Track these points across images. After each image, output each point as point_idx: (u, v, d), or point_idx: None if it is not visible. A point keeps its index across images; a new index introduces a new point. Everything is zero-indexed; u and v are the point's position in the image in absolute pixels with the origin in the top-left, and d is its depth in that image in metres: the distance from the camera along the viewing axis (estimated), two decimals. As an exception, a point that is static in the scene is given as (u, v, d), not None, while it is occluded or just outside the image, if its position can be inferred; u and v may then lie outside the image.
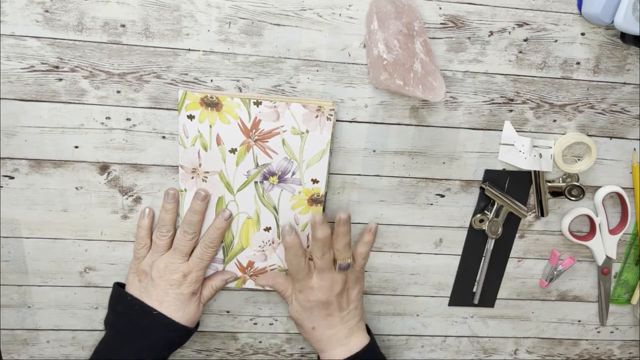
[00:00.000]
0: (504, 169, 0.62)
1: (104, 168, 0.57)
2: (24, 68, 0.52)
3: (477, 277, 0.68)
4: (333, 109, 0.55)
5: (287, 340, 0.69)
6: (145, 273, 0.59)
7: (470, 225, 0.64)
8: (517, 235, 0.66)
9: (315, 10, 0.53)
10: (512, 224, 0.65)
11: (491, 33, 0.55)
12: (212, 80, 0.55)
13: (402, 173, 0.61)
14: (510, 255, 0.67)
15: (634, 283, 0.70)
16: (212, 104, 0.54)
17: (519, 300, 0.70)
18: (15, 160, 0.56)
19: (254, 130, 0.55)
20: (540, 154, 0.60)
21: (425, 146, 0.60)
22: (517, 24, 0.55)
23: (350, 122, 0.58)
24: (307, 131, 0.56)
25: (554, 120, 0.60)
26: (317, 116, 0.55)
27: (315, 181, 0.58)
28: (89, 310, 0.64)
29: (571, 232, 0.66)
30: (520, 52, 0.57)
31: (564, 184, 0.63)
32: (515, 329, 0.72)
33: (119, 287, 0.61)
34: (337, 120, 0.57)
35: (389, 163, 0.60)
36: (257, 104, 0.54)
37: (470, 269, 0.67)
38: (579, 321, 0.73)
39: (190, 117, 0.54)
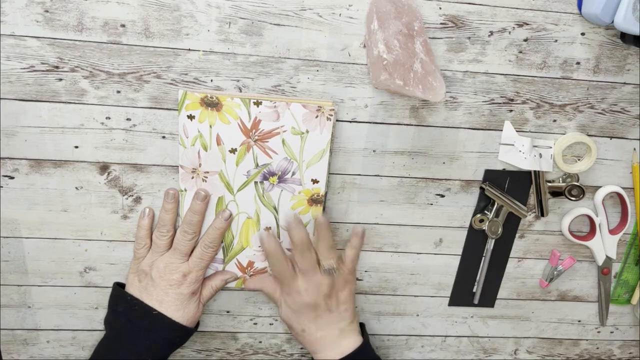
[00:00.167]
0: (504, 169, 0.62)
1: (104, 168, 0.57)
2: (24, 68, 0.52)
3: (477, 277, 0.68)
4: (333, 109, 0.55)
5: (287, 340, 0.69)
6: (145, 273, 0.59)
7: (470, 225, 0.64)
8: (517, 235, 0.66)
9: (315, 10, 0.53)
10: (512, 224, 0.65)
11: (491, 33, 0.55)
12: (212, 80, 0.55)
13: (402, 173, 0.61)
14: (510, 255, 0.67)
15: (634, 283, 0.70)
16: (212, 104, 0.54)
17: (519, 300, 0.70)
18: (15, 160, 0.56)
19: (254, 130, 0.55)
20: (540, 154, 0.60)
21: (425, 146, 0.60)
22: (517, 24, 0.55)
23: (350, 122, 0.58)
24: (307, 131, 0.56)
25: (554, 120, 0.60)
26: (317, 116, 0.55)
27: (315, 181, 0.58)
28: (89, 310, 0.64)
29: (571, 232, 0.66)
30: (520, 52, 0.57)
31: (564, 184, 0.63)
32: (515, 329, 0.72)
33: (119, 287, 0.61)
34: (337, 120, 0.57)
35: (389, 163, 0.60)
36: (257, 104, 0.54)
37: (470, 269, 0.67)
38: (579, 321, 0.73)
39: (190, 117, 0.54)
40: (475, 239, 0.65)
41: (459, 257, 0.66)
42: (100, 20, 0.51)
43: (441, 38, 0.55)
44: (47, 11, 0.50)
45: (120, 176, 0.58)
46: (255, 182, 0.58)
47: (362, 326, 0.65)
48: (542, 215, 0.64)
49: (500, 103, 0.59)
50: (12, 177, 0.57)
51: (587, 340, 0.74)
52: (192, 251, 0.59)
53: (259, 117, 0.55)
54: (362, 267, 0.66)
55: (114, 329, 0.59)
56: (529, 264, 0.68)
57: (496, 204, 0.63)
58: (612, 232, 0.66)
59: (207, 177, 0.57)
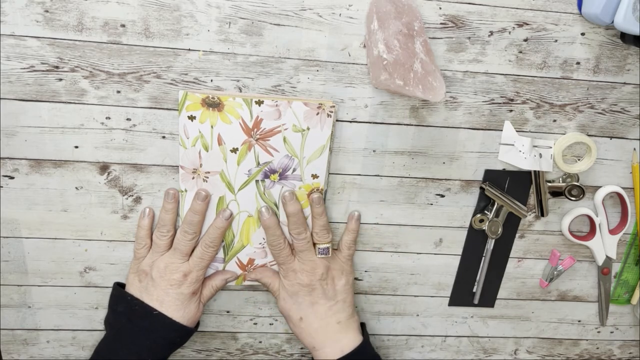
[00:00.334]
0: (504, 169, 0.62)
1: (104, 168, 0.57)
2: (24, 68, 0.52)
3: (477, 277, 0.68)
4: (334, 106, 0.55)
5: (287, 340, 0.69)
6: (145, 273, 0.59)
7: (470, 225, 0.64)
8: (517, 235, 0.66)
9: (315, 10, 0.53)
10: (512, 224, 0.65)
11: (491, 33, 0.55)
12: (212, 80, 0.55)
13: (402, 173, 0.61)
14: (510, 255, 0.67)
15: (634, 283, 0.70)
16: (213, 105, 0.54)
17: (519, 300, 0.70)
18: (15, 160, 0.56)
19: (255, 130, 0.55)
20: (540, 154, 0.60)
21: (425, 146, 0.60)
22: (517, 24, 0.55)
23: (350, 122, 0.58)
24: (308, 128, 0.56)
25: (554, 120, 0.60)
26: (317, 113, 0.55)
27: (315, 176, 0.58)
28: (89, 310, 0.64)
29: (571, 232, 0.66)
30: (520, 52, 0.57)
31: (564, 184, 0.63)
32: (515, 329, 0.72)
33: (119, 287, 0.61)
34: (337, 120, 0.57)
35: (389, 163, 0.60)
36: (259, 103, 0.54)
37: (470, 269, 0.67)
38: (579, 321, 0.73)
39: (191, 117, 0.54)
40: (475, 239, 0.65)
41: (459, 257, 0.66)
42: (100, 20, 0.51)
43: (441, 38, 0.55)
44: (47, 11, 0.50)
45: (120, 176, 0.58)
46: (257, 181, 0.58)
47: (362, 326, 0.65)
48: (542, 215, 0.64)
49: (500, 103, 0.59)
50: (12, 177, 0.57)
51: (587, 340, 0.74)
52: (192, 251, 0.59)
53: (261, 116, 0.55)
54: (362, 267, 0.66)
55: (114, 329, 0.59)
56: (529, 264, 0.68)
57: (496, 204, 0.63)
58: (612, 232, 0.66)
59: (208, 177, 0.57)
